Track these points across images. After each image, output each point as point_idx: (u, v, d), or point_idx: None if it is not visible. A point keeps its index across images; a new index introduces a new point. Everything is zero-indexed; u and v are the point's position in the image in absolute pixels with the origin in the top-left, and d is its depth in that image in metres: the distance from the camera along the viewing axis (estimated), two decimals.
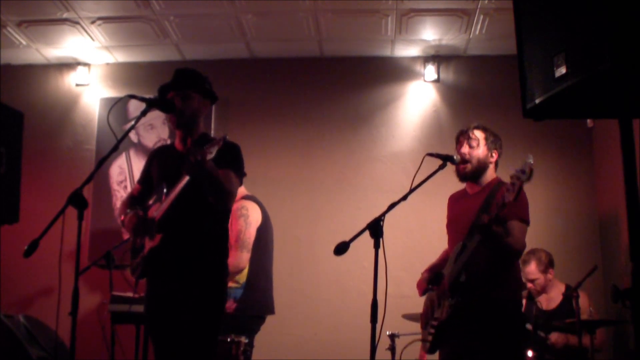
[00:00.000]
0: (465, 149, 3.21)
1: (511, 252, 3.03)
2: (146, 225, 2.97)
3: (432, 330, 3.14)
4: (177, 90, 3.05)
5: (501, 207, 2.79)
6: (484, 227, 2.83)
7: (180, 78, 3.09)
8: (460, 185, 3.40)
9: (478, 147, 3.22)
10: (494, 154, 3.26)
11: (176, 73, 3.11)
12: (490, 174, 3.27)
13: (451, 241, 3.30)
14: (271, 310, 4.18)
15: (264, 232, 4.14)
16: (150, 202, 3.07)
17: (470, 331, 3.05)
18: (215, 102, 3.23)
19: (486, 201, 3.13)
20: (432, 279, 3.25)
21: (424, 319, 3.28)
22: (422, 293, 3.31)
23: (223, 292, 3.06)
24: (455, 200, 3.41)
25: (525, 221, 3.09)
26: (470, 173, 3.22)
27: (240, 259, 3.90)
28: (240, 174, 3.07)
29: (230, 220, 3.23)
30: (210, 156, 2.70)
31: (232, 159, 3.02)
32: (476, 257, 3.00)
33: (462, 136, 3.25)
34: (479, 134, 3.24)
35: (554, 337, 4.16)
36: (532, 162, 2.67)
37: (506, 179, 2.93)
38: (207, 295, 2.96)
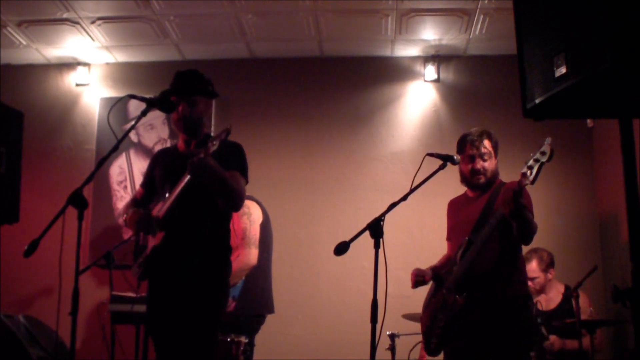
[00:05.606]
0: (479, 164, 3.20)
1: (531, 227, 2.99)
2: (148, 222, 2.98)
3: (439, 331, 3.13)
4: (182, 96, 3.03)
5: (519, 192, 2.77)
6: (513, 198, 2.76)
7: (184, 82, 3.06)
8: (458, 188, 3.40)
9: (490, 159, 3.22)
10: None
11: (178, 76, 3.08)
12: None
13: (454, 245, 3.28)
14: (270, 309, 4.18)
15: (265, 230, 4.16)
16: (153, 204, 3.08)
17: (482, 327, 3.07)
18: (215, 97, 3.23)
19: (489, 201, 3.16)
20: (434, 278, 3.27)
21: (428, 323, 3.26)
22: (414, 285, 3.30)
23: (225, 291, 3.06)
24: (456, 207, 3.40)
25: (533, 215, 3.07)
26: (484, 184, 3.24)
27: (250, 255, 3.94)
28: (246, 175, 3.07)
29: (232, 220, 3.23)
30: (213, 148, 2.70)
31: (236, 161, 3.02)
32: (485, 251, 3.03)
33: (472, 149, 3.21)
34: (488, 145, 3.23)
35: (552, 339, 4.16)
36: (551, 143, 2.68)
37: (508, 178, 2.92)
38: (208, 293, 2.96)
